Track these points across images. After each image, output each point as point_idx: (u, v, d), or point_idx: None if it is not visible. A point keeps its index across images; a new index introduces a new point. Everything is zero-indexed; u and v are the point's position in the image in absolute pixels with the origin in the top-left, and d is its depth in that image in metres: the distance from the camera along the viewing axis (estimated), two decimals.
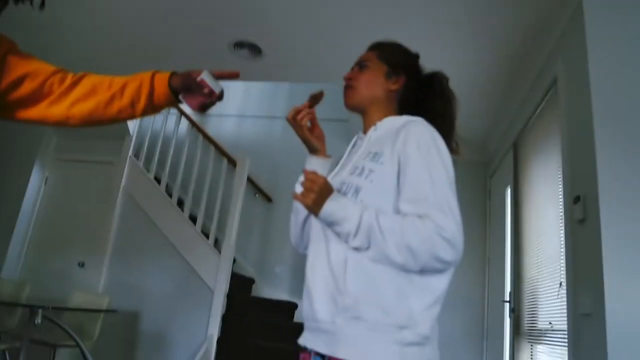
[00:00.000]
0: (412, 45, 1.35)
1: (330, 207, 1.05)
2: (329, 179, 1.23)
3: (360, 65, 1.30)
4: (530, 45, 2.74)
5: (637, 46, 2.04)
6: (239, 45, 3.19)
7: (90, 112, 1.13)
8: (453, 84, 1.29)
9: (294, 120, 1.27)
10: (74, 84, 1.13)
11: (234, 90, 5.59)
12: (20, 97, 1.10)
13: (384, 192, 1.08)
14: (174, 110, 4.75)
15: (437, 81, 1.29)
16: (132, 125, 4.61)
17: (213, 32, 3.08)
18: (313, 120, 1.31)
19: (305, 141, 1.30)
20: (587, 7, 2.12)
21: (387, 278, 1.02)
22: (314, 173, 1.08)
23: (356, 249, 1.04)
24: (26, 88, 1.09)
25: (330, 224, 1.07)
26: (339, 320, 1.02)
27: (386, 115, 1.25)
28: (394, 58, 1.30)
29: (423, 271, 1.02)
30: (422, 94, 1.29)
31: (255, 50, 3.23)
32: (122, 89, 1.13)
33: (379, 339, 0.99)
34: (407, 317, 1.00)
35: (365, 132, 1.28)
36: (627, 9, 2.09)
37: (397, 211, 1.06)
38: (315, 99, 1.30)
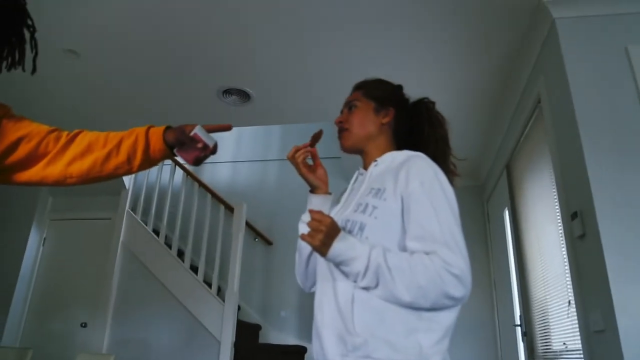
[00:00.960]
0: (399, 77, 1.40)
1: (338, 247, 1.05)
2: (332, 215, 1.24)
3: (349, 106, 1.33)
4: (512, 67, 2.82)
5: (612, 57, 2.10)
6: (227, 92, 3.26)
7: (88, 169, 1.13)
8: (441, 112, 1.32)
9: (293, 159, 1.30)
10: (69, 142, 1.13)
11: (226, 137, 5.66)
12: (17, 160, 1.10)
13: (389, 229, 1.09)
14: (168, 162, 4.79)
15: (423, 107, 1.32)
16: (128, 179, 4.63)
17: (201, 79, 3.14)
18: (315, 159, 1.35)
19: (305, 179, 1.33)
20: (560, 24, 2.21)
21: (395, 315, 1.02)
22: (321, 213, 1.08)
23: (365, 288, 1.04)
24: (22, 151, 1.10)
25: (338, 264, 1.07)
26: (350, 359, 1.01)
27: (385, 149, 1.27)
28: (379, 93, 1.33)
29: (432, 308, 1.02)
30: (411, 122, 1.32)
31: (243, 95, 3.29)
32: (118, 145, 1.13)
33: None
34: (417, 353, 0.99)
35: (365, 168, 1.29)
36: (598, 22, 2.17)
37: (403, 248, 1.07)
38: (315, 138, 1.33)
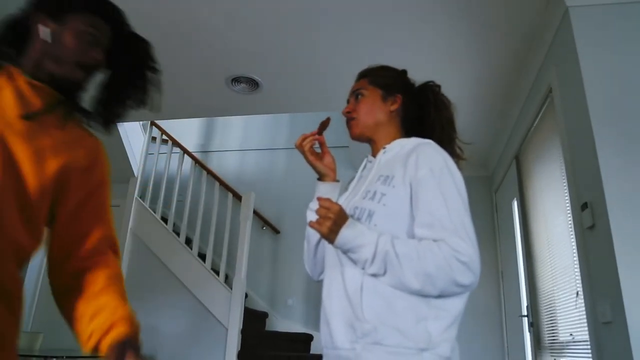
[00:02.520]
0: (408, 66, 1.39)
1: (346, 234, 1.05)
2: (341, 201, 1.24)
3: (356, 95, 1.32)
4: (523, 56, 2.78)
5: (626, 46, 2.07)
6: (236, 80, 3.25)
7: (67, 318, 1.03)
8: (451, 100, 1.31)
9: (301, 147, 1.31)
10: (100, 289, 1.00)
11: (234, 126, 5.67)
12: (64, 211, 1.02)
13: (397, 216, 1.09)
14: (177, 149, 4.80)
15: (429, 91, 1.32)
16: (136, 167, 4.66)
17: (210, 68, 3.14)
18: (323, 147, 1.35)
19: (313, 167, 1.33)
20: (573, 13, 2.17)
21: (404, 302, 1.02)
22: (329, 200, 1.08)
23: (373, 275, 1.04)
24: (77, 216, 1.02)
25: (346, 251, 1.08)
26: (359, 346, 1.02)
27: (393, 137, 1.27)
28: (385, 80, 1.32)
29: (441, 295, 1.02)
30: (419, 108, 1.32)
31: (252, 84, 3.28)
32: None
33: None
34: (426, 339, 0.99)
35: (374, 155, 1.29)
36: (613, 10, 2.13)
37: (412, 235, 1.07)
38: (323, 126, 1.33)
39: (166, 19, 2.63)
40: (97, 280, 1.01)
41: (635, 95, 1.99)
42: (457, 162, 1.20)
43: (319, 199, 1.09)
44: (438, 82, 1.34)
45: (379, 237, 1.04)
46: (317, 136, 1.33)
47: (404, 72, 1.37)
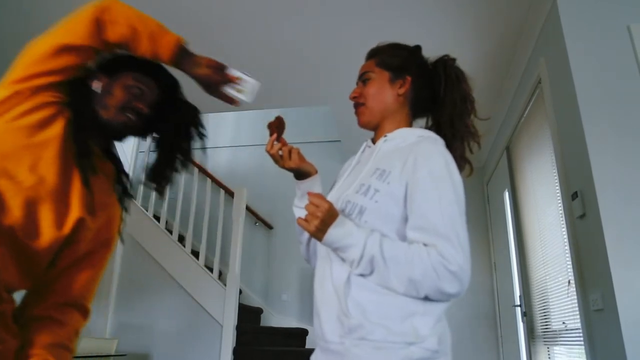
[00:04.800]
0: None
1: (333, 234, 1.03)
2: (335, 189, 1.22)
3: (363, 79, 1.25)
4: (512, 47, 2.79)
5: (614, 36, 2.08)
6: None
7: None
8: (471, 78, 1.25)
9: (272, 153, 1.26)
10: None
11: (225, 121, 5.64)
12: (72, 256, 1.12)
13: (389, 214, 1.06)
14: None
15: (441, 66, 1.25)
16: (128, 165, 4.63)
17: None
18: (284, 146, 1.27)
19: (290, 170, 1.28)
20: (561, 3, 2.18)
21: (390, 298, 1.01)
22: (319, 197, 1.05)
23: (360, 275, 1.03)
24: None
25: (334, 250, 1.06)
26: (347, 340, 1.01)
27: (399, 123, 1.21)
28: (394, 60, 1.25)
29: (426, 299, 1.00)
30: (432, 87, 1.24)
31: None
32: None
33: (387, 356, 0.97)
34: (413, 334, 0.98)
35: (375, 141, 1.24)
36: (601, 1, 2.14)
37: (403, 235, 1.05)
38: (272, 126, 1.28)
39: (156, 15, 2.61)
40: (47, 339, 1.07)
41: (624, 85, 2.01)
42: (474, 140, 1.16)
43: (309, 194, 1.06)
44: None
45: (368, 237, 1.01)
46: (282, 141, 1.26)
47: (417, 48, 1.29)
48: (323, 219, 1.03)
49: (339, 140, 4.36)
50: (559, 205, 2.38)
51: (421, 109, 1.24)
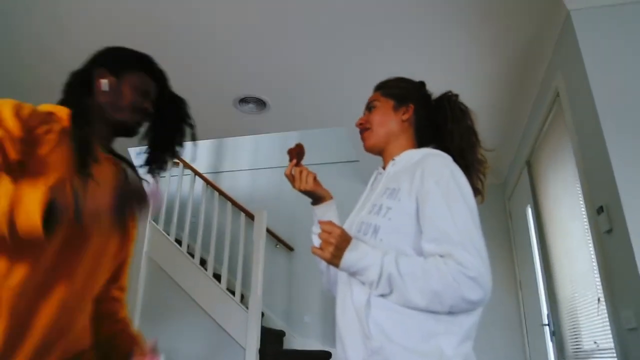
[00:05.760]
0: (411, 74, 1.40)
1: (349, 258, 1.04)
2: (351, 217, 1.24)
3: (369, 107, 1.33)
4: (529, 61, 2.77)
5: (631, 47, 2.06)
6: (244, 100, 3.29)
7: None
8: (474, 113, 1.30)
9: (291, 177, 1.33)
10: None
11: (244, 145, 5.71)
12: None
13: (403, 230, 1.07)
14: (188, 171, 4.84)
15: (445, 101, 1.30)
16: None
17: (218, 90, 3.18)
18: (303, 171, 1.34)
19: (314, 193, 1.34)
20: (575, 16, 2.17)
21: (412, 320, 1.00)
22: (330, 223, 1.07)
23: (380, 295, 1.03)
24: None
25: (352, 274, 1.07)
26: None
27: (405, 148, 1.26)
28: (398, 90, 1.32)
29: (451, 312, 0.99)
30: (436, 119, 1.30)
31: (260, 103, 3.31)
32: None
33: None
34: (438, 355, 0.97)
35: (384, 167, 1.28)
36: (615, 12, 2.12)
37: (419, 250, 1.05)
38: (292, 154, 1.34)
39: (171, 42, 2.68)
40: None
41: None
42: (482, 170, 1.19)
43: (320, 222, 1.09)
44: (442, 90, 1.34)
45: (384, 257, 1.02)
46: (301, 167, 1.33)
47: (421, 83, 1.37)
48: (337, 245, 1.04)
49: (357, 160, 4.36)
50: (584, 220, 2.33)
51: (426, 137, 1.28)
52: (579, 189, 2.35)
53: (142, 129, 1.27)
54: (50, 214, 0.88)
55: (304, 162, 1.36)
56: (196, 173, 4.75)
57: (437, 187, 1.06)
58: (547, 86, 2.70)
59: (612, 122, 1.97)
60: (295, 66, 2.92)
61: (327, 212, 1.33)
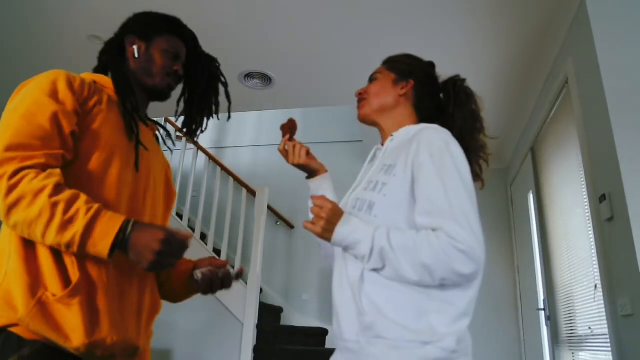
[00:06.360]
0: (420, 56, 1.37)
1: (341, 232, 1.04)
2: (348, 194, 1.24)
3: (371, 79, 1.33)
4: (538, 47, 2.74)
5: None
6: (249, 75, 3.26)
7: None
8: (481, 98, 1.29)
9: (284, 152, 1.36)
10: None
11: (247, 121, 5.69)
12: None
13: (398, 206, 1.06)
14: (190, 146, 4.83)
15: (451, 84, 1.29)
16: None
17: (222, 64, 3.13)
18: (289, 142, 1.37)
19: (307, 166, 1.36)
20: (590, 2, 2.13)
21: (404, 296, 1.00)
22: (322, 198, 1.07)
23: (373, 270, 1.03)
24: None
25: (344, 249, 1.07)
26: (363, 339, 1.01)
27: (402, 124, 1.25)
28: (401, 65, 1.31)
29: (443, 285, 0.99)
30: (439, 100, 1.30)
31: (265, 79, 3.29)
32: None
33: (403, 356, 0.96)
34: (429, 333, 0.97)
35: (383, 143, 1.27)
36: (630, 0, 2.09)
37: (413, 224, 1.04)
38: (285, 129, 1.37)
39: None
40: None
41: None
42: (483, 156, 1.18)
43: (312, 197, 1.09)
44: (450, 73, 1.32)
45: (375, 231, 1.01)
46: (294, 142, 1.35)
47: (430, 63, 1.35)
48: (328, 219, 1.04)
49: (361, 140, 4.34)
50: (586, 207, 2.33)
51: (428, 117, 1.26)
52: (582, 176, 2.35)
53: (177, 93, 1.29)
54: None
55: (307, 139, 1.36)
56: (199, 148, 4.74)
57: (431, 160, 1.05)
58: (557, 72, 2.67)
59: (621, 110, 1.95)
60: (302, 43, 2.88)
61: (321, 185, 1.34)
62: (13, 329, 0.89)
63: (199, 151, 4.74)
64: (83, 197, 0.92)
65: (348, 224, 1.04)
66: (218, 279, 1.23)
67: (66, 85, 1.01)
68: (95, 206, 0.91)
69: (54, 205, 0.88)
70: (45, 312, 0.89)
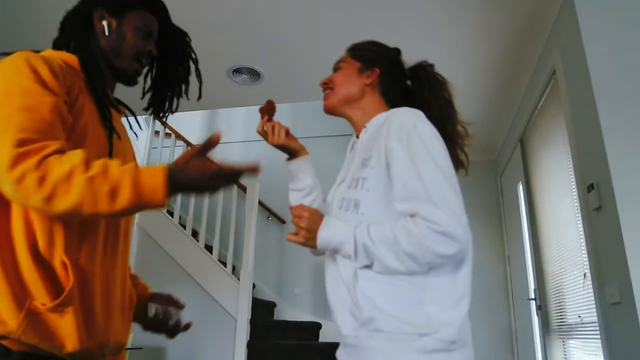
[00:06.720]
0: (409, 48, 1.36)
1: (323, 237, 1.04)
2: (332, 190, 1.23)
3: (335, 67, 1.30)
4: (525, 38, 2.75)
5: (631, 26, 2.04)
6: (238, 71, 3.24)
7: None
8: (454, 84, 1.27)
9: (263, 134, 1.31)
10: None
11: (237, 117, 5.66)
12: None
13: (382, 197, 1.06)
14: (180, 143, 4.80)
15: (420, 70, 1.26)
16: (141, 161, 4.67)
17: (211, 60, 3.12)
18: (276, 128, 1.31)
19: (287, 147, 1.32)
20: None
21: (396, 289, 1.01)
22: (300, 207, 1.08)
23: (364, 267, 1.03)
24: None
25: (331, 252, 1.08)
26: (361, 333, 1.01)
27: (372, 113, 1.22)
28: (366, 53, 1.28)
29: (432, 269, 0.99)
30: (407, 87, 1.27)
31: (254, 74, 3.27)
32: None
33: (401, 349, 0.97)
34: (427, 324, 0.97)
35: (358, 136, 1.25)
36: None
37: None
38: (264, 111, 1.33)
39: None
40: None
41: None
42: (462, 144, 1.17)
43: (290, 208, 1.10)
44: (440, 66, 1.29)
45: (356, 229, 1.01)
46: (274, 122, 1.31)
47: (395, 50, 1.31)
48: (307, 228, 1.06)
49: (350, 134, 4.34)
50: (575, 197, 2.35)
51: (397, 103, 1.22)
52: (570, 166, 2.37)
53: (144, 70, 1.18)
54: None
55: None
56: (188, 144, 4.71)
57: (400, 145, 1.03)
58: (544, 63, 2.68)
59: (607, 100, 1.97)
60: (290, 37, 2.87)
61: (300, 166, 1.31)
62: (0, 341, 0.84)
63: (189, 147, 4.71)
64: (115, 162, 0.85)
65: (328, 227, 1.05)
66: (167, 325, 1.24)
67: (48, 70, 0.91)
68: (129, 165, 0.86)
69: (91, 180, 0.81)
70: (38, 324, 0.84)
